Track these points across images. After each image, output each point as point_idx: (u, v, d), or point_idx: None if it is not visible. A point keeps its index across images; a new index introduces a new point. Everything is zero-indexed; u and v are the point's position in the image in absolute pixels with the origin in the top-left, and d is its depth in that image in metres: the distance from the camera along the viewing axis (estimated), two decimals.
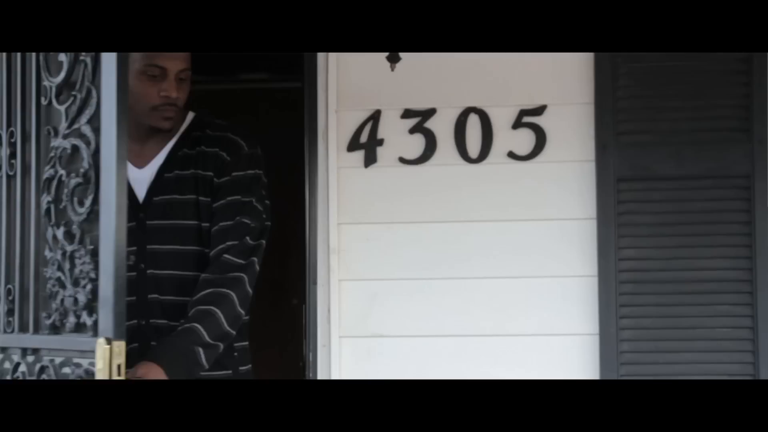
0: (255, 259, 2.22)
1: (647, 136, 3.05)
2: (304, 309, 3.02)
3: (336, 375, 2.93)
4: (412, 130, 3.06)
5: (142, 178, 2.29)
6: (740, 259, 3.01)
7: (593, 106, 3.05)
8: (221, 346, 2.13)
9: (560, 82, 3.08)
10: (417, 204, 3.03)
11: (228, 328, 2.14)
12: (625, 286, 3.02)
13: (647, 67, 3.05)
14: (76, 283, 1.86)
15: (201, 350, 2.08)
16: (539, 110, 3.07)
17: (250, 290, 2.20)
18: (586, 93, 3.07)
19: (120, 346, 1.78)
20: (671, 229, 3.03)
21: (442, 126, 3.08)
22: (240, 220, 2.23)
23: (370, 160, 3.03)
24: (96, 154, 1.82)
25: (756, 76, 3.01)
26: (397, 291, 2.99)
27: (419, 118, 3.07)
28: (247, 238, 2.22)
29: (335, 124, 3.07)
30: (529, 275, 3.06)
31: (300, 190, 3.02)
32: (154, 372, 2.01)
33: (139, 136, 2.29)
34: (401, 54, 2.93)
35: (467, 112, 3.08)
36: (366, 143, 3.04)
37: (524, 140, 3.09)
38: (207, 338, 2.10)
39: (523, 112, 3.08)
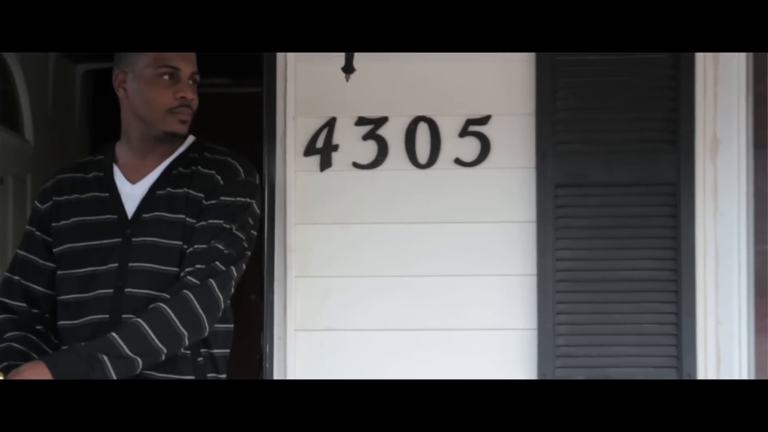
0: (213, 282, 2.05)
1: (583, 145, 3.09)
2: (262, 304, 3.03)
3: (291, 365, 2.97)
4: (365, 137, 3.08)
5: (134, 194, 2.17)
6: (666, 260, 3.06)
7: (534, 117, 3.09)
8: (139, 360, 1.96)
9: (504, 94, 3.11)
10: (369, 206, 3.05)
11: (158, 344, 1.98)
12: (561, 284, 3.06)
13: (584, 81, 3.09)
14: None
15: (108, 360, 1.92)
16: (484, 120, 3.10)
17: (199, 311, 2.02)
18: (528, 105, 3.10)
19: None
20: (604, 232, 3.08)
21: (393, 133, 3.10)
22: (214, 245, 2.09)
23: (325, 164, 3.04)
24: None
25: (683, 92, 3.06)
26: (349, 287, 3.02)
27: (372, 126, 3.10)
28: (217, 263, 2.08)
29: (293, 130, 3.05)
30: (473, 274, 3.08)
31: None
32: (37, 371, 1.88)
33: (141, 149, 2.19)
34: (356, 65, 2.91)
35: (417, 120, 3.11)
36: (322, 148, 3.05)
37: (470, 148, 3.11)
38: (125, 350, 1.95)
39: (469, 122, 3.10)
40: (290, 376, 2.98)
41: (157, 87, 2.12)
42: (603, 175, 3.07)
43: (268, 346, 2.98)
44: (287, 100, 3.08)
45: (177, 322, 2.00)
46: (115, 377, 1.93)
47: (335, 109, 3.08)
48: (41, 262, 2.21)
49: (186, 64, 2.14)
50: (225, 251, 2.08)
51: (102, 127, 4.33)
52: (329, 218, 3.04)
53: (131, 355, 1.95)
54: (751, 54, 3.09)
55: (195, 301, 2.02)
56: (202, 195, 2.13)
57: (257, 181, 2.22)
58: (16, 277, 2.23)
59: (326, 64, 3.03)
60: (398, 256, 3.05)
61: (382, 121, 3.10)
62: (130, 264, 2.10)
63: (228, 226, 2.11)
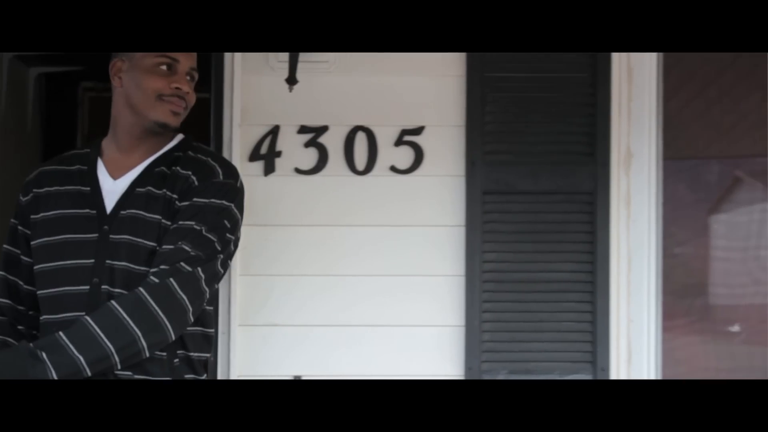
0: (173, 281, 1.93)
1: (509, 156, 3.14)
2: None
3: (234, 358, 3.01)
4: (306, 144, 3.12)
5: (115, 190, 2.06)
6: (583, 263, 3.12)
7: (464, 128, 3.14)
8: (81, 359, 1.85)
9: (436, 106, 3.16)
10: (310, 209, 3.09)
11: (106, 343, 1.87)
12: (487, 284, 3.11)
13: (511, 97, 3.14)
14: None
15: (47, 358, 1.83)
16: (418, 130, 3.15)
17: (155, 309, 1.90)
18: (459, 117, 3.15)
19: None
20: (527, 236, 3.14)
21: (333, 141, 3.14)
22: (181, 246, 1.97)
23: (269, 169, 3.07)
24: None
25: (600, 109, 3.12)
26: (290, 286, 3.05)
27: (313, 134, 3.13)
28: (182, 263, 1.96)
29: (239, 136, 3.06)
30: (407, 273, 3.13)
31: None
32: None
33: (128, 144, 2.09)
34: (298, 77, 3.00)
35: (356, 130, 3.15)
36: (266, 154, 3.08)
37: (405, 156, 3.16)
38: (70, 349, 1.85)
39: (404, 132, 3.15)
40: (233, 369, 3.03)
41: (153, 75, 2.03)
42: (527, 183, 3.14)
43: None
44: (234, 108, 3.10)
45: (128, 320, 1.89)
46: (56, 377, 1.83)
47: (279, 118, 3.11)
48: (23, 257, 2.14)
49: (185, 57, 2.05)
50: (192, 252, 1.97)
51: (54, 129, 4.31)
52: (272, 220, 3.07)
53: (75, 354, 1.84)
54: (661, 74, 3.20)
55: (150, 300, 1.91)
56: (176, 196, 2.03)
57: (239, 185, 2.10)
58: (1, 273, 2.17)
59: (271, 75, 3.09)
60: (337, 256, 3.09)
61: (322, 129, 3.14)
62: (107, 261, 2.00)
63: (198, 228, 2.00)
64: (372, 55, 3.12)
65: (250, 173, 3.06)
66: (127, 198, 2.04)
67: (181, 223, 2.01)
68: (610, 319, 3.13)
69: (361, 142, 3.16)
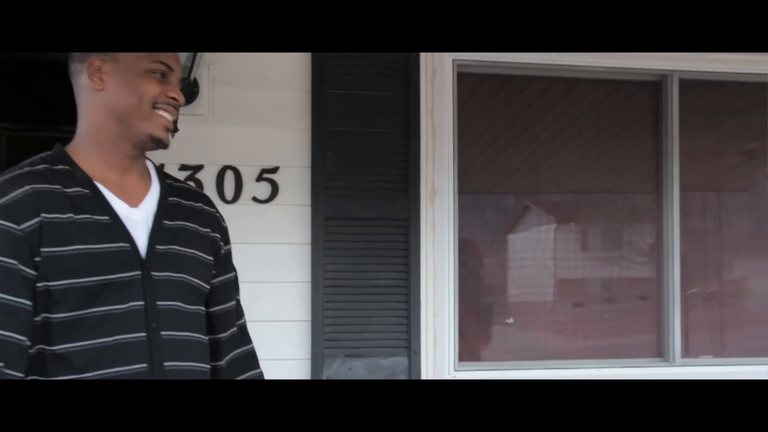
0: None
1: (345, 190, 3.47)
2: None
3: None
4: (185, 180, 3.13)
5: (134, 219, 1.67)
6: (400, 272, 3.51)
7: (310, 169, 3.46)
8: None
9: (289, 151, 3.48)
10: None
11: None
12: (328, 289, 3.46)
13: (345, 145, 3.49)
14: None
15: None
16: (275, 170, 3.46)
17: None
18: (306, 160, 3.48)
19: None
20: (359, 252, 3.48)
21: (207, 177, 3.42)
22: (237, 297, 1.88)
23: None
24: None
25: (412, 156, 3.51)
26: None
27: (191, 171, 3.41)
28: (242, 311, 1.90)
29: None
30: (266, 281, 3.42)
31: None
32: None
33: (120, 164, 1.70)
34: (179, 126, 3.17)
35: (225, 168, 3.44)
36: None
37: (264, 189, 3.45)
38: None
39: (264, 171, 3.45)
40: None
41: (150, 80, 1.68)
42: (358, 211, 3.47)
43: None
44: None
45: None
46: None
47: (163, 158, 3.23)
48: (20, 303, 1.57)
49: (178, 67, 1.73)
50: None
51: None
52: None
53: None
54: (457, 131, 3.65)
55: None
56: (218, 236, 1.81)
57: None
58: None
59: None
60: None
61: (198, 167, 3.43)
62: (158, 303, 1.65)
63: (234, 273, 1.89)
64: (238, 109, 3.55)
65: None
66: (159, 232, 1.70)
67: (230, 274, 1.88)
68: (420, 315, 3.53)
69: (229, 178, 3.46)
